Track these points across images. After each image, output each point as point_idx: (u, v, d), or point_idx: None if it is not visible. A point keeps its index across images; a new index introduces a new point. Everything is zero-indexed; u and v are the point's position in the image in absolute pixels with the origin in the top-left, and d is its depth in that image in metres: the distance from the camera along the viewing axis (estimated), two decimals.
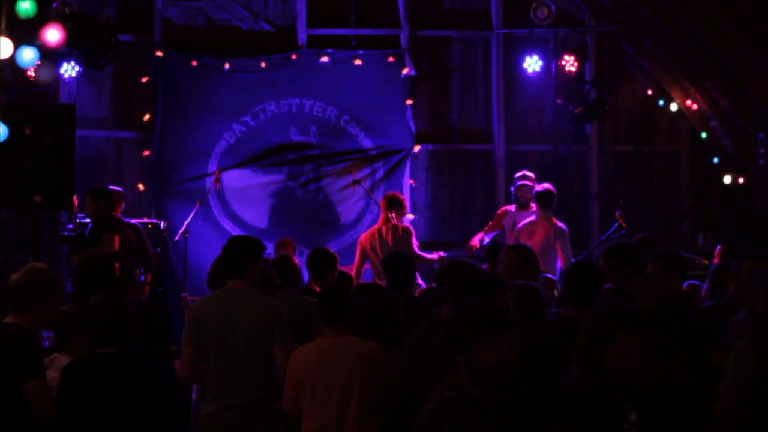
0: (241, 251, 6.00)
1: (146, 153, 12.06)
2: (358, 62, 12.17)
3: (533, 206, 10.27)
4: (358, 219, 12.17)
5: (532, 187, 10.49)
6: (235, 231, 11.53)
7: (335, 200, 12.19)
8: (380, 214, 10.19)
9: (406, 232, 9.96)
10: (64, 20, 8.26)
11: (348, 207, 12.19)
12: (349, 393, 5.39)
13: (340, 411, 5.39)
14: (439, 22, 12.63)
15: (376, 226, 10.13)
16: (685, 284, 7.02)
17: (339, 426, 5.40)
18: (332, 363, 5.42)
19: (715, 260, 7.93)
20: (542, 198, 10.09)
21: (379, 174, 12.20)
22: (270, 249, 10.28)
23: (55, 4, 8.84)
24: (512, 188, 10.94)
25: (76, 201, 9.37)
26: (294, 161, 12.15)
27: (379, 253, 9.68)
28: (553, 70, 12.21)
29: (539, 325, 5.59)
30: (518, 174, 10.98)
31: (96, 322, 5.18)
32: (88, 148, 12.02)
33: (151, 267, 10.31)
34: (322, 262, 7.55)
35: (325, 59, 12.19)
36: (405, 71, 12.24)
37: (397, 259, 7.09)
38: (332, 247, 11.60)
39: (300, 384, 5.48)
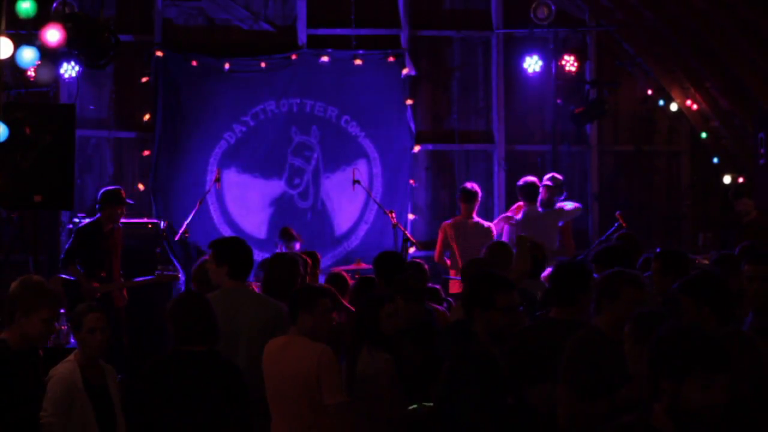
0: (246, 253, 6.04)
1: (146, 153, 12.06)
2: (358, 62, 12.17)
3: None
4: (353, 230, 12.19)
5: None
6: None
7: (332, 209, 12.19)
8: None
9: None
10: (64, 20, 8.26)
11: (344, 218, 12.19)
12: (284, 392, 5.43)
13: (283, 407, 5.45)
14: (439, 22, 12.63)
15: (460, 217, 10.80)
16: None
17: (282, 422, 5.45)
18: (277, 362, 5.48)
19: None
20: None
21: (379, 174, 12.20)
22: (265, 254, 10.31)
23: (55, 4, 8.86)
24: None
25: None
26: (294, 164, 12.16)
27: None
28: (553, 70, 12.21)
29: (528, 328, 5.59)
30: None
31: (187, 321, 5.19)
32: (88, 148, 12.02)
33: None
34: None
35: (325, 59, 12.19)
36: (405, 71, 12.24)
37: (391, 258, 7.15)
38: (326, 261, 11.70)
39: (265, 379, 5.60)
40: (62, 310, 9.43)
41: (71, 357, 5.59)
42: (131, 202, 10.21)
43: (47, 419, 5.39)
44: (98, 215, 9.83)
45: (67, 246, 9.76)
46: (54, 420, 5.36)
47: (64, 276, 9.60)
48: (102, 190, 9.98)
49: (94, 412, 5.44)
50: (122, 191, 9.97)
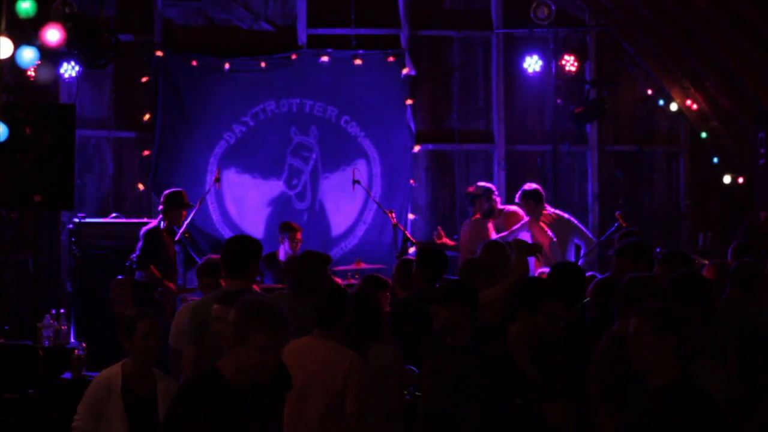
0: (243, 251, 6.02)
1: (146, 153, 12.06)
2: (358, 62, 12.17)
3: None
4: (350, 230, 12.19)
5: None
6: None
7: (330, 210, 12.17)
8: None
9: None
10: (64, 20, 8.25)
11: (341, 218, 12.18)
12: (303, 395, 5.39)
13: (296, 410, 5.41)
14: (439, 22, 12.62)
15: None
16: None
17: (294, 425, 5.40)
18: (301, 362, 5.42)
19: (729, 258, 7.87)
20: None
21: (379, 174, 12.20)
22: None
23: (55, 4, 8.86)
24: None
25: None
26: (293, 165, 12.15)
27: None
28: (553, 70, 12.21)
29: (565, 342, 5.59)
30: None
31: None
32: (88, 148, 12.02)
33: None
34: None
35: (325, 59, 12.19)
36: (405, 71, 12.24)
37: (431, 254, 7.17)
38: None
39: None
40: (62, 310, 9.49)
41: (118, 363, 5.40)
42: (193, 205, 10.15)
43: (77, 423, 5.31)
44: (160, 217, 9.78)
45: (139, 248, 9.55)
46: (83, 425, 5.28)
47: (123, 277, 9.57)
48: (165, 193, 9.88)
49: (128, 423, 5.24)
50: (185, 193, 9.90)
